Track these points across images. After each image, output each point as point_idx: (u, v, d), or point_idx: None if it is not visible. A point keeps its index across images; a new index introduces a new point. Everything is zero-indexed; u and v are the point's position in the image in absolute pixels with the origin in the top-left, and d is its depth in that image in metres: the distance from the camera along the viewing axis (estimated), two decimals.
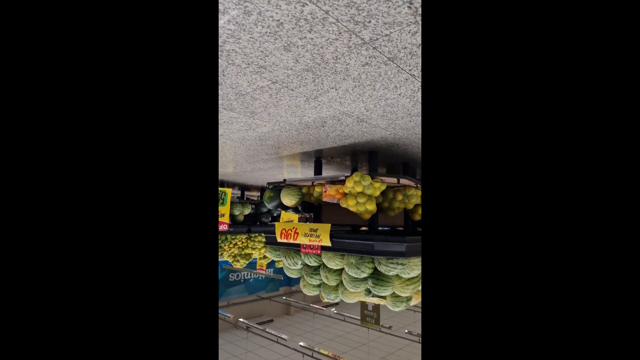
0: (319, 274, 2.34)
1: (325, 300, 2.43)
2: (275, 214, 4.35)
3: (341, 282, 2.26)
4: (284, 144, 2.18)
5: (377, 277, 2.05)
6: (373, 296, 2.26)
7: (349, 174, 2.09)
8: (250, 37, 0.97)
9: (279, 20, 0.89)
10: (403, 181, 2.00)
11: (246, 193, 4.97)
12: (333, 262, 2.13)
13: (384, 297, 2.26)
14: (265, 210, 4.28)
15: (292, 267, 2.43)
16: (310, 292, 2.46)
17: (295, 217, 4.50)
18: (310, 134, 1.94)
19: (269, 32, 0.94)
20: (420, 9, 0.83)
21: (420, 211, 2.27)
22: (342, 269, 2.20)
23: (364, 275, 2.03)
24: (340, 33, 0.94)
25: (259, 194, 4.93)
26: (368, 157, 2.27)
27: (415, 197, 2.11)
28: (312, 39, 0.97)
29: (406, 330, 7.74)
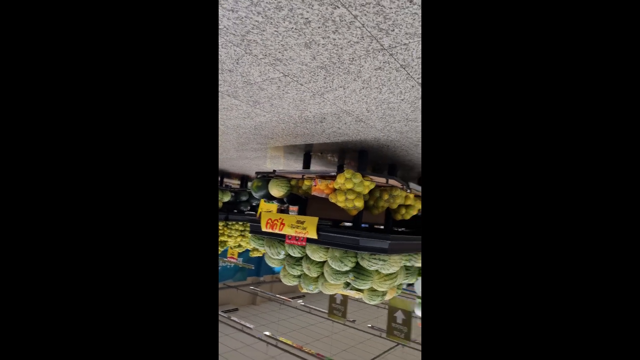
0: (301, 265, 2.39)
1: (304, 290, 2.49)
2: (254, 204, 4.34)
3: (322, 274, 2.32)
4: (279, 135, 2.20)
5: (358, 271, 2.14)
6: (351, 289, 2.35)
7: (336, 170, 2.15)
8: (275, 31, 0.99)
9: (307, 18, 0.92)
10: (391, 182, 2.09)
11: (225, 180, 4.90)
12: (317, 254, 2.19)
13: (361, 291, 2.35)
14: (244, 198, 4.26)
15: (274, 256, 2.47)
16: (290, 282, 2.51)
17: (274, 207, 4.50)
18: (307, 128, 1.97)
19: (295, 29, 0.97)
20: None
21: (402, 212, 2.38)
22: (325, 262, 2.27)
23: (346, 268, 2.11)
24: (363, 37, 0.98)
25: (239, 182, 4.88)
26: (358, 155, 2.34)
27: (400, 197, 2.21)
28: (334, 39, 1.01)
29: (369, 325, 8.00)
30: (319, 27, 0.96)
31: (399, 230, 3.23)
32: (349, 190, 2.04)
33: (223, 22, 0.97)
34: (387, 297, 2.43)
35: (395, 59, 1.09)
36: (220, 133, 2.32)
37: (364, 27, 0.93)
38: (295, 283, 2.52)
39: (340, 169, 2.88)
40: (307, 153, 2.69)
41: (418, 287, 2.74)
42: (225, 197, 4.09)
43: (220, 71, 1.31)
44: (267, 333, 7.10)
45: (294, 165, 3.33)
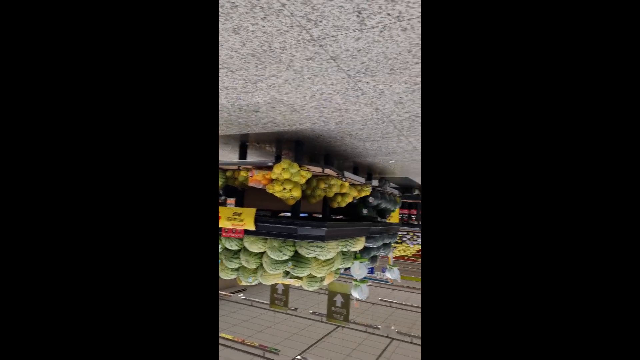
0: (239, 258, 2.35)
1: (243, 283, 2.46)
2: None
3: (261, 265, 2.32)
4: None
5: (297, 259, 2.18)
6: (291, 277, 2.38)
7: (273, 161, 2.14)
8: None
9: (234, 2, 0.89)
10: (327, 171, 2.15)
11: None
12: (255, 245, 2.17)
13: (300, 278, 2.41)
14: None
15: None
16: (227, 276, 2.46)
17: None
18: (242, 117, 1.92)
19: (221, 12, 0.93)
20: (365, 20, 0.94)
21: (338, 199, 2.47)
22: (263, 253, 2.27)
23: (285, 257, 2.13)
24: (292, 26, 0.99)
25: None
26: (295, 145, 2.36)
27: (335, 186, 2.29)
28: (263, 26, 0.99)
29: (311, 311, 8.21)
30: (247, 13, 0.93)
31: (336, 217, 3.36)
32: (286, 180, 2.05)
33: None
34: (326, 282, 2.52)
35: (325, 50, 1.12)
36: None
37: (292, 15, 0.93)
38: (233, 276, 2.47)
39: (278, 160, 2.87)
40: (243, 143, 2.62)
41: (354, 271, 2.89)
42: None
43: None
44: None
45: (230, 156, 3.22)
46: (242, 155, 2.63)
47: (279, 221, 2.06)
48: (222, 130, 2.25)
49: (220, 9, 0.92)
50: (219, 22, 0.99)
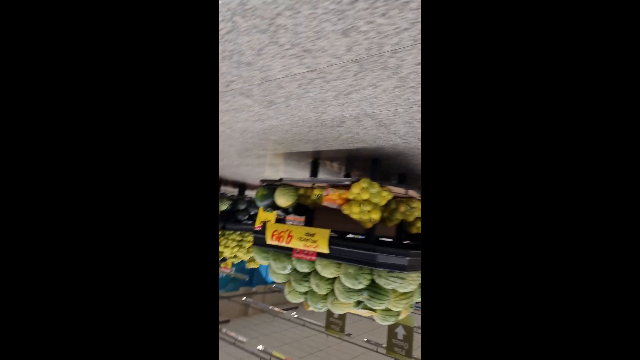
0: (309, 281, 2.21)
1: (311, 309, 2.31)
2: (252, 213, 4.15)
3: (332, 291, 2.14)
4: (289, 140, 2.04)
5: (374, 289, 1.96)
6: (363, 308, 2.17)
7: (349, 179, 1.99)
8: (312, 13, 0.84)
9: None
10: (410, 192, 1.94)
11: (222, 187, 4.70)
12: (328, 270, 2.01)
13: (374, 310, 2.18)
14: (242, 207, 4.06)
15: (279, 271, 2.28)
16: (295, 299, 2.33)
17: (272, 216, 4.31)
18: (322, 133, 1.82)
19: (336, 10, 0.82)
20: None
21: (418, 224, 2.23)
22: (335, 278, 2.09)
23: (361, 286, 1.93)
24: (414, 23, 0.84)
25: (236, 190, 4.68)
26: (371, 164, 2.19)
27: (417, 209, 2.06)
28: (380, 24, 0.86)
29: (365, 339, 7.77)
30: (365, 9, 0.80)
31: (410, 243, 3.08)
32: (365, 201, 1.88)
33: (251, 2, 0.82)
34: (401, 317, 2.25)
35: None
36: (225, 137, 2.14)
37: (420, 8, 0.78)
38: (301, 300, 2.33)
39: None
40: (315, 161, 2.53)
41: None
42: (223, 206, 3.89)
43: (237, 64, 1.15)
44: (260, 347, 6.81)
45: (295, 173, 3.16)
46: (314, 173, 2.53)
47: (356, 245, 1.88)
48: (297, 146, 2.18)
49: (336, 6, 0.81)
50: (330, 23, 0.87)
